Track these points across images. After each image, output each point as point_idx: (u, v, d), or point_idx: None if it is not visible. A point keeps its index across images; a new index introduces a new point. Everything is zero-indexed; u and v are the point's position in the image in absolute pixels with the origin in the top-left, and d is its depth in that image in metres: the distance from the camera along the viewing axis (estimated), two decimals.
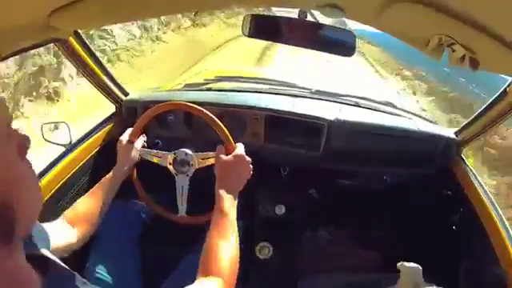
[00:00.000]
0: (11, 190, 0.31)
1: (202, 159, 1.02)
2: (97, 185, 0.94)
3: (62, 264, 0.50)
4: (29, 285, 0.35)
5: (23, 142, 0.35)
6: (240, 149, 0.92)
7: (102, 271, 0.92)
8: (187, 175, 1.04)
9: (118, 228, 1.02)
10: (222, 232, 0.74)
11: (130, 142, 1.03)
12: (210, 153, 1.00)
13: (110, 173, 0.97)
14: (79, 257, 0.98)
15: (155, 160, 1.05)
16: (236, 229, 0.77)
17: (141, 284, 0.97)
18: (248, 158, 0.91)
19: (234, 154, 0.90)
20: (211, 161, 0.99)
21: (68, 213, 0.85)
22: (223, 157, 0.90)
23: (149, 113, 1.05)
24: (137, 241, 1.05)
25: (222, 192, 0.82)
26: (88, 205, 0.89)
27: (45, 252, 0.52)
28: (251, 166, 0.92)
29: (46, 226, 0.72)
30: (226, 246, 0.72)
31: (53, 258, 0.50)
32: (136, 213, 1.10)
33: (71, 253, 1.07)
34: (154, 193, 1.08)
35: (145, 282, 0.98)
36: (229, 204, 0.80)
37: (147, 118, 1.05)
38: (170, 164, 1.04)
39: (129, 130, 1.06)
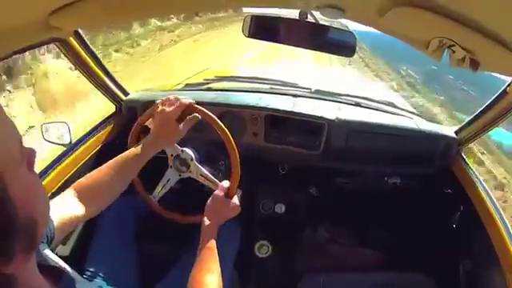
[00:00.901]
0: (32, 204, 0.33)
1: (201, 175, 1.01)
2: (121, 155, 0.83)
3: (70, 270, 0.51)
4: None
5: (31, 156, 0.36)
6: (237, 196, 0.94)
7: (98, 269, 0.92)
8: (179, 175, 1.04)
9: (114, 225, 1.02)
10: (208, 265, 0.76)
11: (185, 116, 0.90)
12: (212, 177, 1.00)
13: (139, 146, 0.84)
14: (77, 254, 0.99)
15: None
16: (218, 260, 0.78)
17: (137, 281, 0.98)
18: (239, 208, 0.92)
19: (233, 200, 0.90)
20: (207, 183, 1.00)
21: (82, 181, 0.78)
22: (222, 197, 0.89)
23: (207, 116, 0.92)
24: (133, 238, 1.06)
25: (210, 227, 0.83)
26: (106, 175, 0.80)
27: (49, 254, 0.52)
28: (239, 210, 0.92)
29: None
30: (211, 278, 0.73)
31: (61, 265, 0.50)
32: (133, 210, 1.10)
33: (73, 246, 1.09)
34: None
35: (141, 279, 0.98)
36: (214, 239, 0.81)
37: (210, 119, 0.92)
38: (171, 155, 1.04)
39: (187, 101, 0.89)
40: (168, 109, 0.87)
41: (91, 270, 0.91)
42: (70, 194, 0.75)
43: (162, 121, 0.87)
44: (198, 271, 0.73)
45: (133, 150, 0.84)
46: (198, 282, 0.71)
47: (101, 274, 0.91)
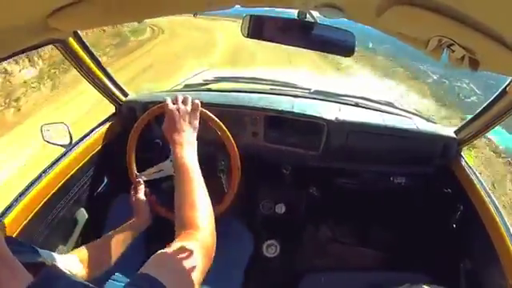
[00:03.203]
0: None
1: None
2: (110, 234, 0.91)
3: (59, 267, 0.50)
4: None
5: None
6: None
7: (106, 270, 0.92)
8: (174, 172, 1.04)
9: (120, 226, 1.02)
10: (190, 182, 0.74)
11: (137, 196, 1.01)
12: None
13: (129, 223, 0.95)
14: None
15: (158, 173, 1.05)
16: (201, 175, 0.75)
17: None
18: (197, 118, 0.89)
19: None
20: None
21: (77, 253, 0.82)
22: (176, 112, 0.88)
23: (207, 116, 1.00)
24: (140, 238, 1.05)
25: (180, 146, 0.82)
26: (98, 252, 0.86)
27: (42, 258, 0.52)
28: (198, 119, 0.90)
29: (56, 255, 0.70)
30: (199, 195, 0.70)
31: (49, 261, 0.50)
32: None
33: None
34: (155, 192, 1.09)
35: None
36: (186, 151, 0.80)
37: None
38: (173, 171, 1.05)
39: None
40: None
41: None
42: (71, 256, 0.77)
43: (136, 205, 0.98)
44: (181, 187, 0.71)
45: (124, 228, 0.92)
46: (185, 202, 0.69)
47: (107, 275, 0.91)
